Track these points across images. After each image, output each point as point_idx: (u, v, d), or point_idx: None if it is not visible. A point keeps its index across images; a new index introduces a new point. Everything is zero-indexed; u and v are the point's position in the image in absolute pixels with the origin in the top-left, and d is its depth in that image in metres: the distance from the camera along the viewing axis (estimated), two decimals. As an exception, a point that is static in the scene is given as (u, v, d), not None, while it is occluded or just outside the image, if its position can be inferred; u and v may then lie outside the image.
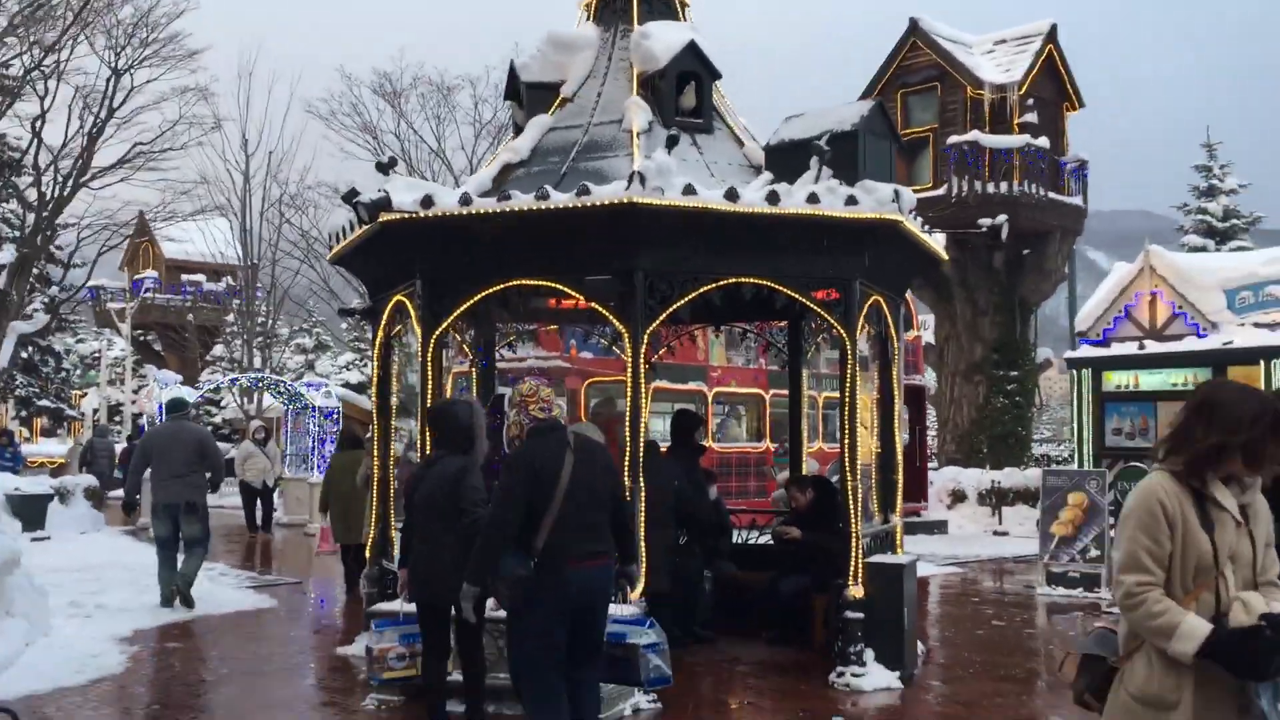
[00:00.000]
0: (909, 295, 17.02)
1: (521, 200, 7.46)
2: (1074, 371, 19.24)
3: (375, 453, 9.19)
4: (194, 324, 39.76)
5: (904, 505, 9.58)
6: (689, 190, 7.35)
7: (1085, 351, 19.29)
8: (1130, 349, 18.35)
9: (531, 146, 8.68)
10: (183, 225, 32.98)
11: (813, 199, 7.63)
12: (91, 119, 20.90)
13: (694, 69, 8.69)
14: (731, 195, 7.46)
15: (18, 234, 22.85)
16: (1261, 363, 16.49)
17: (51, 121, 21.10)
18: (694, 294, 7.64)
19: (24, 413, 31.46)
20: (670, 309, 7.60)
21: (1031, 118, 22.89)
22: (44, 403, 30.03)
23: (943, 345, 24.93)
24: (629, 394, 7.59)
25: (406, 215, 7.64)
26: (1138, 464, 13.22)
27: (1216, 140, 36.33)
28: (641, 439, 7.57)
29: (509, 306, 9.00)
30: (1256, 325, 17.94)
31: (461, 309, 7.93)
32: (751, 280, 7.85)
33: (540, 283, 7.85)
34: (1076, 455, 18.76)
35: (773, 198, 7.56)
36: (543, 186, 7.47)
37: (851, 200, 7.71)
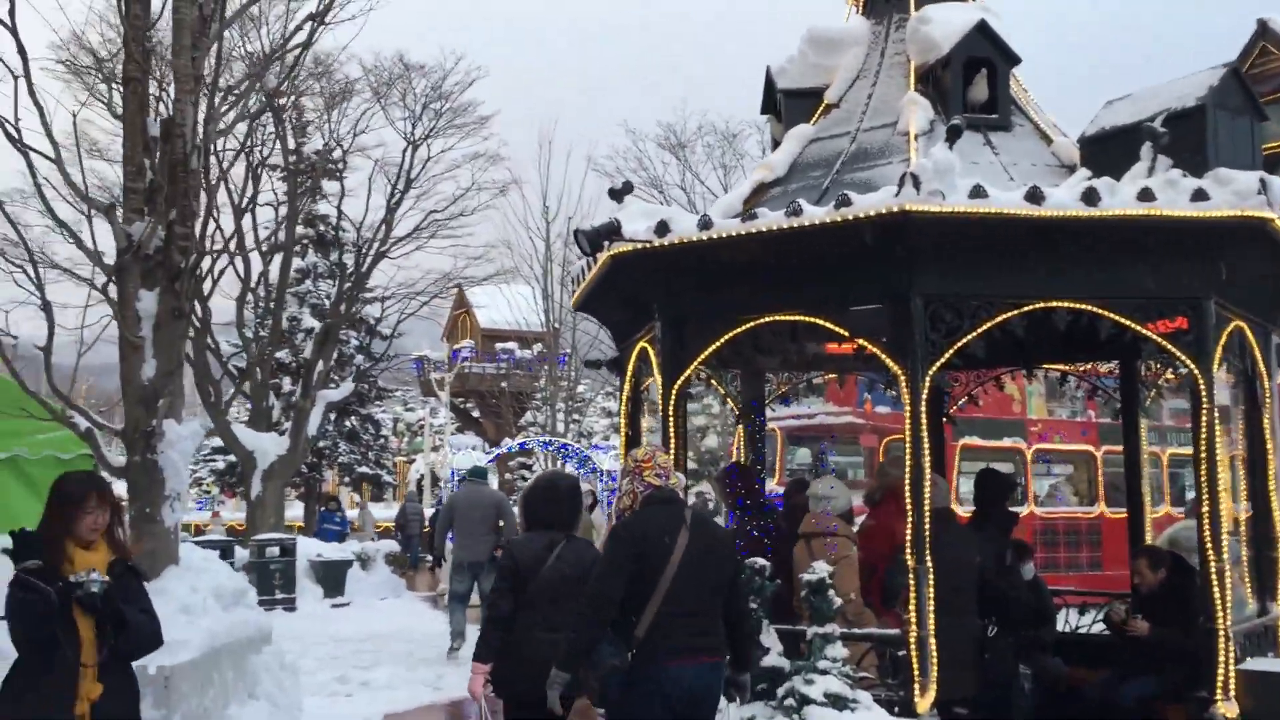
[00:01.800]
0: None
1: (769, 219, 6.20)
2: None
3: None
4: (507, 391, 40.80)
5: None
6: (977, 193, 5.84)
7: None
8: None
9: (789, 161, 7.41)
10: (489, 293, 33.82)
11: (1146, 195, 5.92)
12: (390, 190, 21.55)
13: (985, 54, 7.14)
14: (1035, 196, 5.88)
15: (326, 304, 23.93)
16: None
17: (353, 195, 21.98)
18: (988, 324, 6.07)
19: (346, 479, 33.03)
20: (958, 344, 6.05)
21: None
22: (364, 469, 31.34)
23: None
24: (909, 449, 6.09)
25: (639, 246, 6.55)
26: None
27: None
28: (927, 505, 6.04)
29: (768, 351, 7.72)
30: None
31: (706, 353, 6.72)
32: (1065, 305, 6.18)
33: (796, 318, 6.52)
34: None
35: (1090, 197, 5.91)
36: (794, 201, 6.17)
37: (1200, 195, 5.93)
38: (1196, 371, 6.26)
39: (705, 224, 6.40)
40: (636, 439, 8.21)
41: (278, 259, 20.80)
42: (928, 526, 6.06)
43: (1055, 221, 5.92)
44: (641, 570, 4.62)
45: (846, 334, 6.27)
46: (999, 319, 6.09)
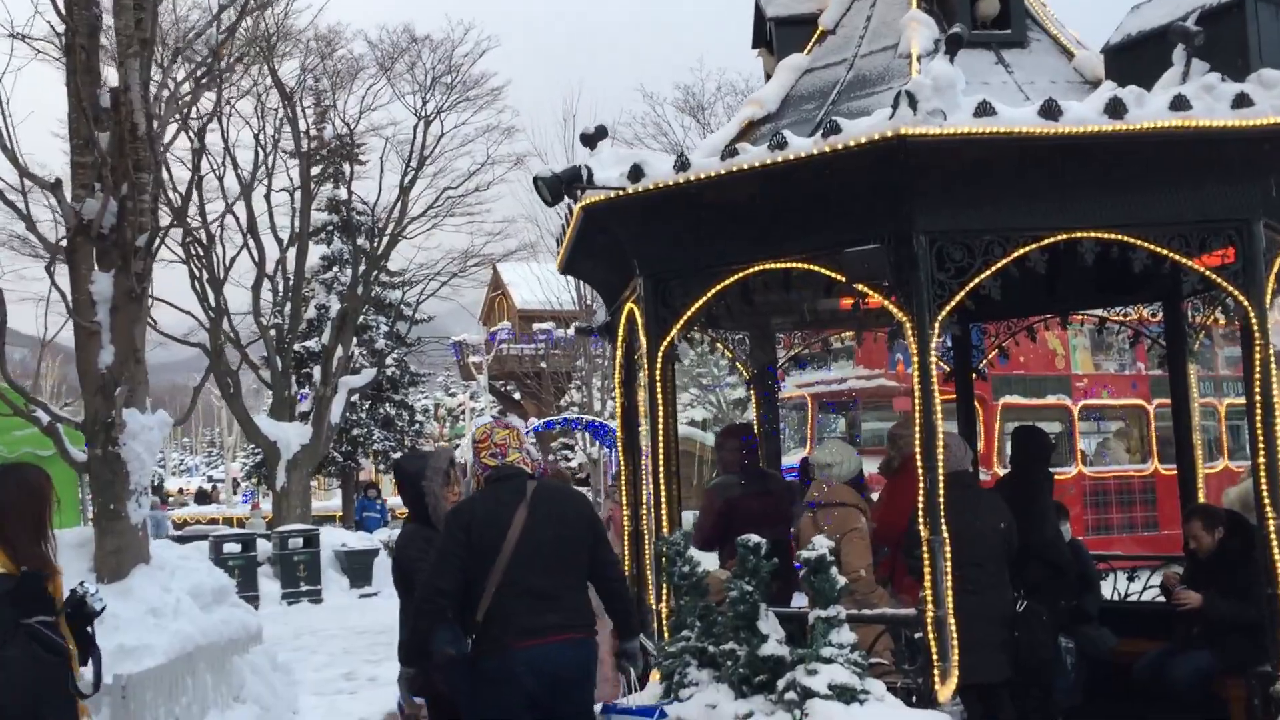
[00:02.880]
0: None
1: (751, 155, 5.52)
2: None
3: (624, 498, 7.53)
4: (547, 371, 40.26)
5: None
6: (984, 110, 5.12)
7: None
8: None
9: (782, 95, 6.70)
10: (520, 271, 33.22)
11: (1179, 104, 5.17)
12: (404, 169, 21.03)
13: (993, -38, 6.39)
14: (1050, 111, 5.15)
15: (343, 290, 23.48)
16: None
17: (370, 177, 21.48)
18: (1004, 261, 5.34)
19: (381, 466, 32.72)
20: (969, 285, 5.33)
21: None
22: (397, 456, 31.01)
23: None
24: (918, 407, 5.39)
25: (612, 194, 5.89)
26: None
27: None
28: (940, 468, 5.35)
29: (767, 307, 7.04)
30: None
31: (692, 310, 6.05)
32: (1091, 235, 5.45)
33: (788, 265, 5.83)
34: None
35: (1115, 109, 5.17)
36: (778, 133, 5.49)
37: (1243, 100, 5.18)
38: (1247, 304, 5.51)
39: (682, 165, 5.73)
40: (633, 410, 7.59)
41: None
42: (943, 493, 5.36)
43: (1075, 139, 5.18)
44: (475, 554, 4.46)
45: (843, 279, 5.57)
46: (1015, 254, 5.36)
